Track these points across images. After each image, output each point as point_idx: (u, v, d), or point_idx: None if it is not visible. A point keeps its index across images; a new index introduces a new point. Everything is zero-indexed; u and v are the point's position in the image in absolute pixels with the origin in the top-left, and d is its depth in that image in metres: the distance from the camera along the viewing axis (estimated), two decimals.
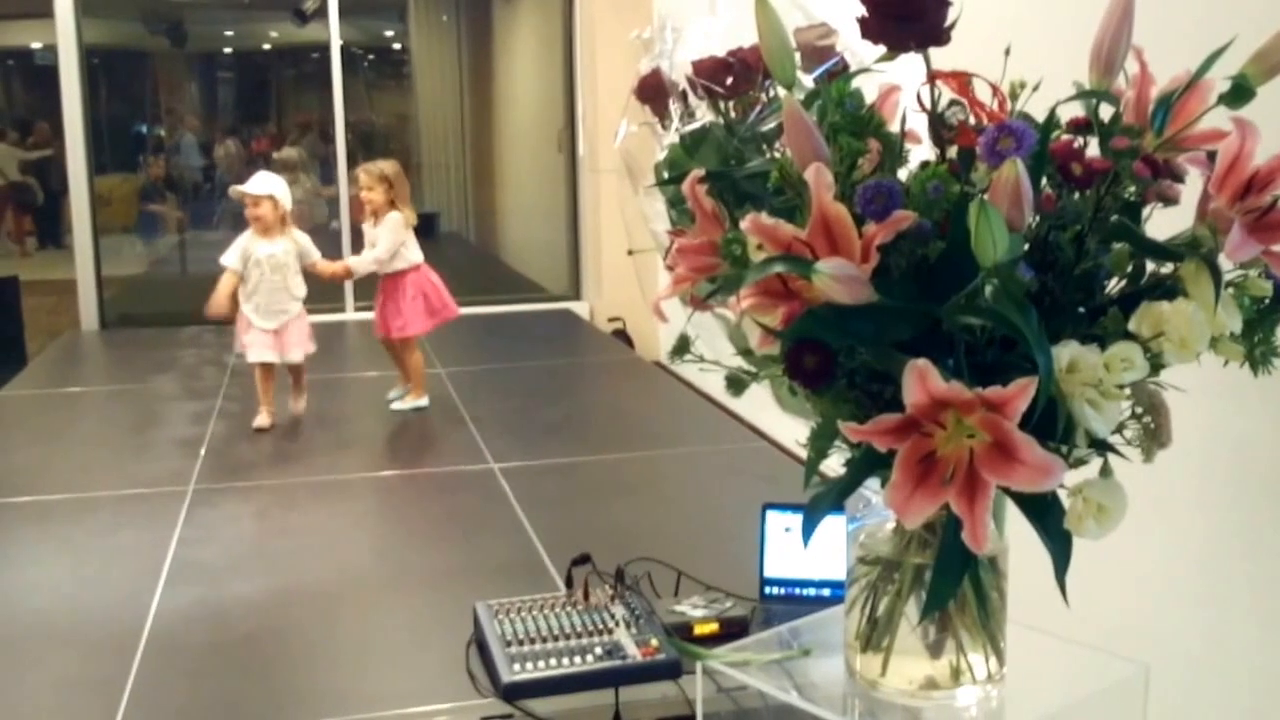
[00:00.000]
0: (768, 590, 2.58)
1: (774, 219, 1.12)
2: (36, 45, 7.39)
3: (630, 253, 1.46)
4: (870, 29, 1.06)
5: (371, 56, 11.87)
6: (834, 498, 1.16)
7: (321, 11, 7.59)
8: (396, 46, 12.03)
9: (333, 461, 4.21)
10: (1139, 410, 1.18)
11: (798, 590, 2.57)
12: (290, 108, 11.95)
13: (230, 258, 4.45)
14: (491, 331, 6.92)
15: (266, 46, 11.99)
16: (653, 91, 1.43)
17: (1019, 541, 1.29)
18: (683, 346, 1.30)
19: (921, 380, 1.00)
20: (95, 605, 2.93)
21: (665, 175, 1.42)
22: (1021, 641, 1.41)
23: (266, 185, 4.46)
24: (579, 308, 7.57)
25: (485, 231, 11.55)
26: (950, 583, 1.16)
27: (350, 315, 7.47)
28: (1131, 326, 1.11)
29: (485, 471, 3.93)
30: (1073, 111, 1.23)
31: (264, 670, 2.57)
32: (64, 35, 7.05)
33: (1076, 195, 1.13)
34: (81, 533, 3.43)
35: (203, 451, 4.23)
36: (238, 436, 4.48)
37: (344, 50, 7.66)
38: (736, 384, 1.25)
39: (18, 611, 2.91)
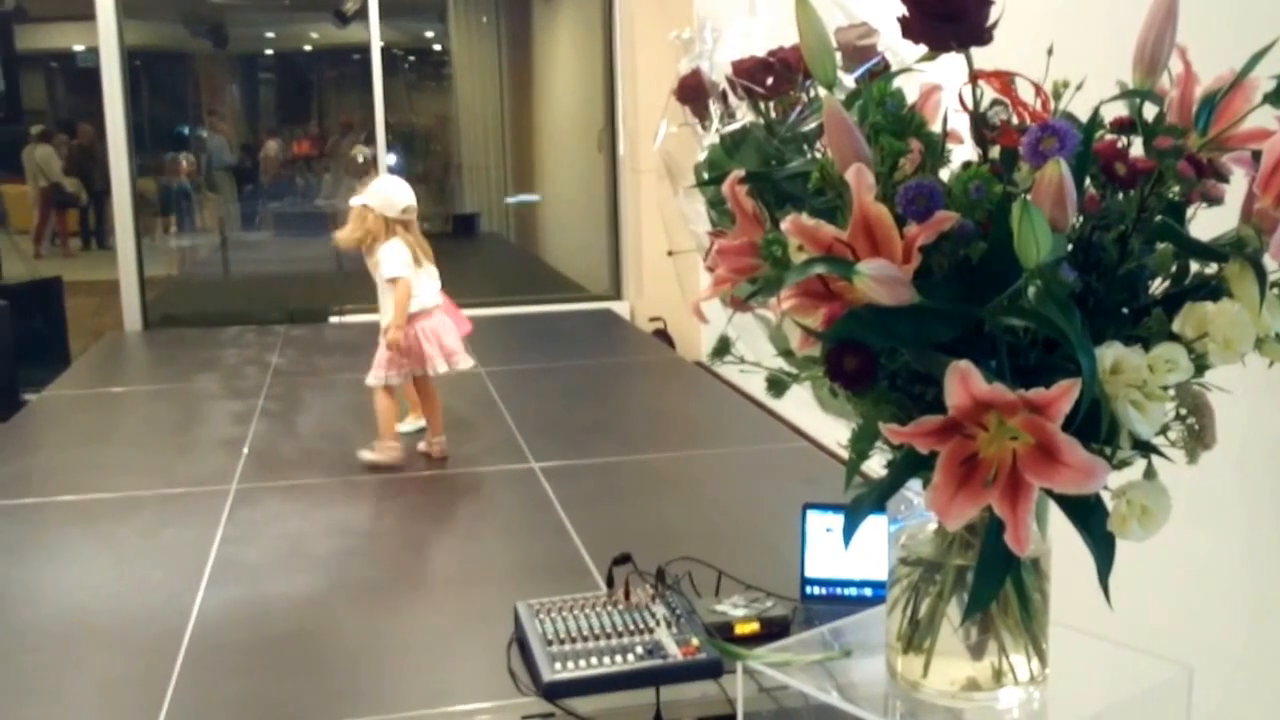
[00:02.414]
0: (809, 590, 2.58)
1: (815, 220, 1.12)
2: (79, 47, 7.48)
3: (670, 254, 1.46)
4: (911, 29, 1.06)
5: (412, 58, 11.92)
6: (876, 499, 1.15)
7: (362, 13, 7.63)
8: (437, 47, 12.08)
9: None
10: (1183, 411, 1.17)
11: (839, 590, 2.57)
12: (331, 109, 12.03)
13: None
14: (532, 331, 6.94)
15: (307, 48, 12.08)
16: (693, 92, 1.43)
17: (1060, 542, 1.29)
18: (723, 348, 1.30)
19: (964, 382, 1.00)
20: (139, 604, 2.96)
21: (705, 176, 1.42)
22: (1064, 643, 1.41)
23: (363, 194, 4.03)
24: (619, 308, 7.58)
25: (526, 231, 11.59)
26: (992, 585, 1.16)
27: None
28: (1175, 327, 1.10)
29: (526, 471, 3.95)
30: (1116, 111, 1.22)
31: (306, 668, 2.59)
32: (105, 37, 7.11)
33: (1120, 195, 1.12)
34: (125, 532, 3.47)
35: (245, 450, 4.27)
36: (280, 435, 4.51)
37: (384, 51, 7.70)
38: (777, 385, 1.25)
39: (63, 610, 2.95)
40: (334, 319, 7.16)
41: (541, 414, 4.75)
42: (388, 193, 4.00)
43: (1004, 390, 0.99)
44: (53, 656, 2.69)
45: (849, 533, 1.14)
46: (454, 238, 11.54)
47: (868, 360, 1.08)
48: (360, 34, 7.68)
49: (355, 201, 4.00)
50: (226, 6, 10.15)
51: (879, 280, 1.01)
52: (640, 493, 3.74)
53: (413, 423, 4.35)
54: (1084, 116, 1.15)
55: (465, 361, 4.17)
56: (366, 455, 4.05)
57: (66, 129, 11.83)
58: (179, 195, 11.06)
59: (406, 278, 3.97)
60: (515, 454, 4.15)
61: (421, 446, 4.18)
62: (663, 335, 7.09)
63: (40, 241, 12.01)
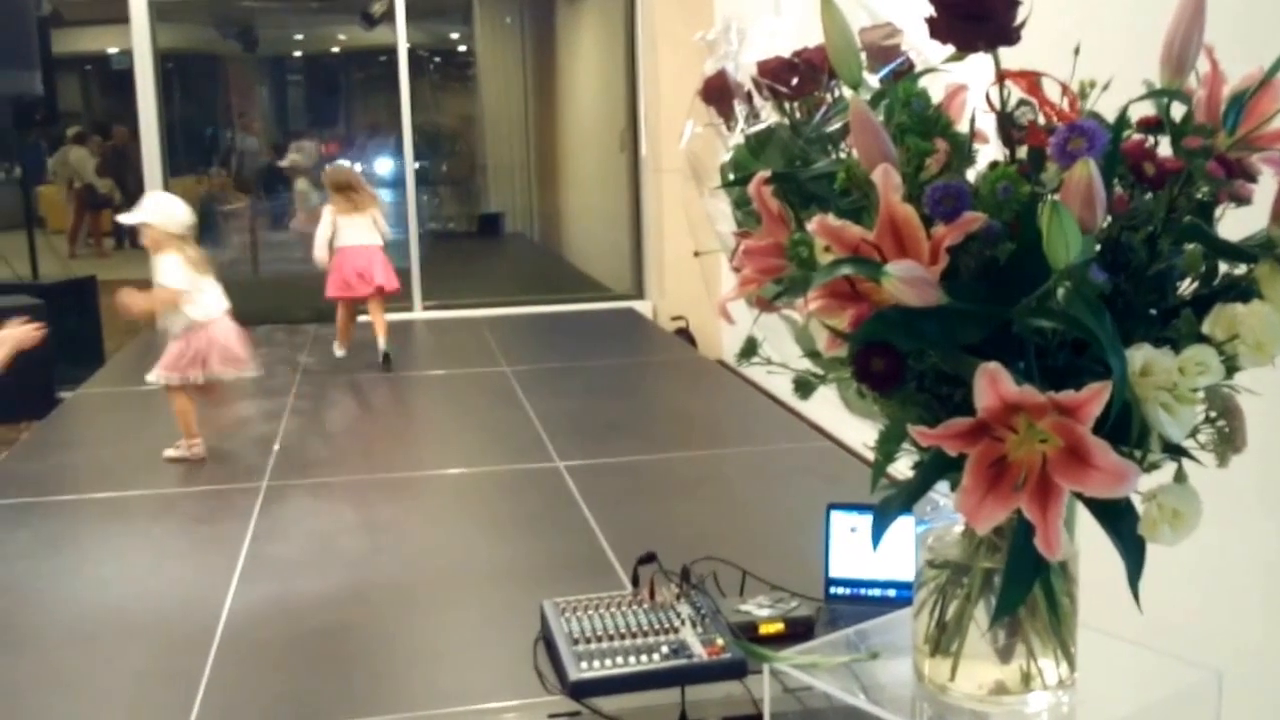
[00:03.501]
0: (833, 590, 2.57)
1: (841, 220, 1.12)
2: (114, 50, 7.53)
3: (696, 254, 1.46)
4: (939, 29, 1.05)
5: (438, 59, 11.95)
6: (903, 501, 1.15)
7: (389, 14, 7.65)
8: (462, 49, 12.11)
9: (402, 459, 4.25)
10: (1213, 414, 1.16)
11: (863, 591, 2.56)
12: (359, 110, 12.07)
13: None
14: (555, 330, 6.95)
15: (335, 50, 12.12)
16: (718, 93, 1.43)
17: (1089, 544, 1.28)
18: (750, 349, 1.29)
19: (993, 384, 1.00)
20: (172, 600, 2.98)
21: (731, 176, 1.42)
22: (1092, 646, 1.40)
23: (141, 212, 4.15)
24: (642, 306, 7.59)
25: (549, 231, 11.61)
26: (1020, 589, 1.15)
27: (418, 315, 7.54)
28: (1205, 329, 1.10)
29: (551, 469, 3.95)
30: (1143, 111, 1.21)
31: (335, 665, 2.60)
32: (139, 40, 7.16)
33: (1148, 196, 1.11)
34: (158, 528, 3.49)
35: (276, 448, 4.29)
36: (310, 434, 4.53)
37: (410, 53, 7.72)
38: (804, 387, 1.25)
39: (97, 605, 2.97)
40: (361, 318, 7.18)
41: (565, 413, 4.75)
42: (170, 210, 4.15)
43: (1034, 392, 0.99)
44: (87, 651, 2.72)
45: (877, 535, 1.14)
46: (478, 237, 11.57)
47: (895, 362, 1.07)
48: (387, 36, 7.72)
49: (133, 219, 4.13)
50: (257, 9, 10.19)
51: (906, 281, 1.00)
52: (664, 492, 3.74)
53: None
54: (1111, 117, 1.14)
55: (251, 369, 4.33)
56: (170, 453, 4.21)
57: (101, 130, 11.91)
58: (212, 197, 11.11)
59: (182, 289, 4.11)
60: (540, 453, 4.16)
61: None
62: (685, 334, 7.09)
63: (75, 242, 12.10)
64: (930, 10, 1.05)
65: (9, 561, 3.28)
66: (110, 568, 3.22)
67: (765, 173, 1.26)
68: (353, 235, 5.87)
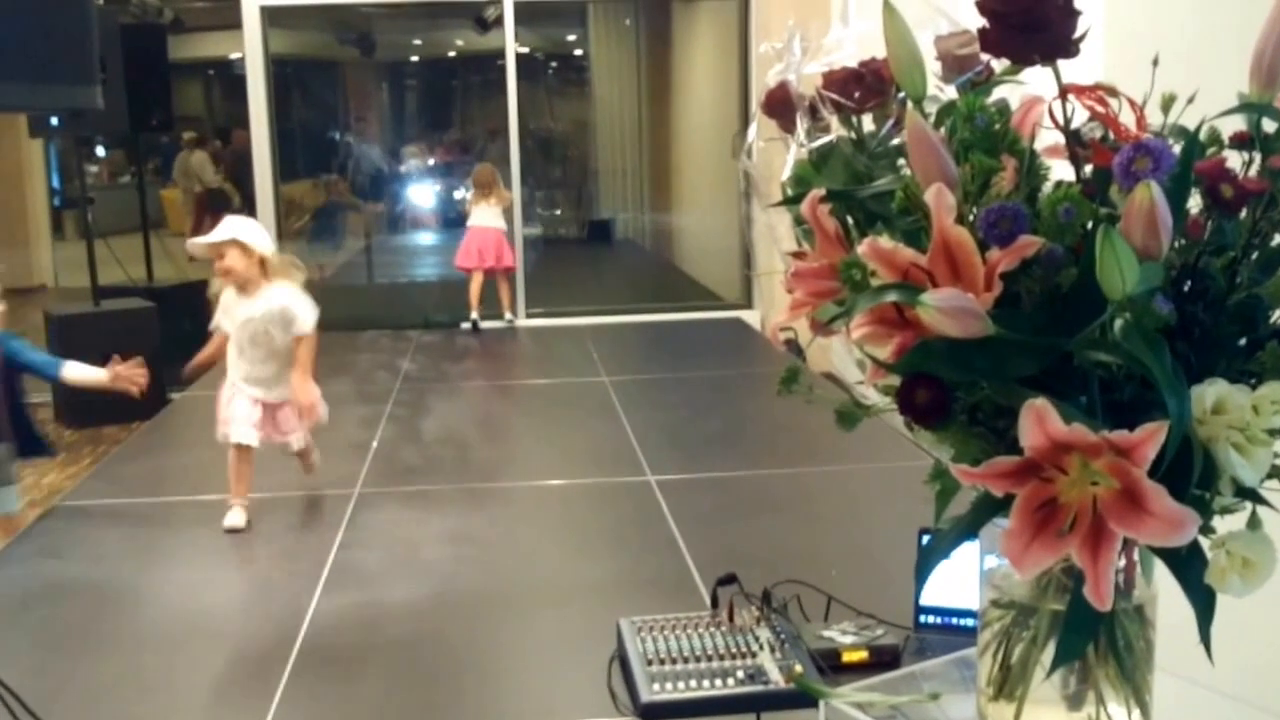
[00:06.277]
0: (922, 619, 2.48)
1: (893, 243, 1.05)
2: (236, 55, 7.72)
3: (752, 274, 1.40)
4: (990, 41, 0.98)
5: (553, 63, 12.01)
6: (953, 540, 1.08)
7: (502, 19, 7.69)
8: (577, 52, 12.14)
9: (492, 468, 4.24)
10: None
11: (954, 620, 2.46)
12: (475, 114, 12.17)
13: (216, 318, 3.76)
14: (661, 340, 6.91)
15: (451, 54, 12.24)
16: (780, 105, 1.37)
17: (1166, 580, 1.19)
18: (792, 377, 1.23)
19: (1039, 421, 0.92)
20: (257, 606, 3.00)
21: (791, 193, 1.36)
22: (1168, 693, 1.31)
23: (229, 229, 3.55)
24: (750, 316, 7.50)
25: (660, 237, 11.57)
26: (1083, 636, 1.08)
27: (522, 322, 7.56)
28: None
29: (642, 484, 3.91)
30: (1233, 127, 1.13)
31: (412, 677, 2.59)
32: (251, 45, 7.31)
33: (1228, 219, 1.03)
34: (248, 533, 3.52)
35: (370, 455, 4.31)
36: (405, 441, 4.55)
37: (524, 57, 7.76)
38: (847, 418, 1.18)
39: (184, 610, 3.01)
40: (465, 325, 7.25)
41: (661, 425, 4.71)
42: (258, 231, 3.61)
43: (1085, 431, 0.91)
44: (169, 654, 2.75)
45: (922, 575, 1.07)
46: (588, 244, 11.58)
47: (940, 394, 1.00)
48: (501, 40, 7.75)
49: (219, 237, 3.53)
50: (373, 14, 10.33)
51: (945, 311, 0.93)
52: (755, 509, 3.68)
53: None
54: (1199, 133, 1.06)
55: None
56: (236, 521, 3.59)
57: (220, 135, 12.18)
58: (328, 202, 11.30)
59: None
60: (632, 466, 4.12)
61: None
62: (793, 346, 7.00)
63: None
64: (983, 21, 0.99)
65: (100, 563, 3.34)
66: (198, 572, 3.26)
67: (820, 191, 1.20)
68: (481, 218, 7.31)
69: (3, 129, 8.49)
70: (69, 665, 2.69)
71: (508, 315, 7.42)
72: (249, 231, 3.46)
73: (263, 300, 3.43)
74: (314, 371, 3.44)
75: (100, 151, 12.16)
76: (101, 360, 3.60)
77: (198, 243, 3.50)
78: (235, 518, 3.55)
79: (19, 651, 2.70)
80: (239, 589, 3.13)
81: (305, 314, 3.35)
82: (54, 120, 6.20)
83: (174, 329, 6.46)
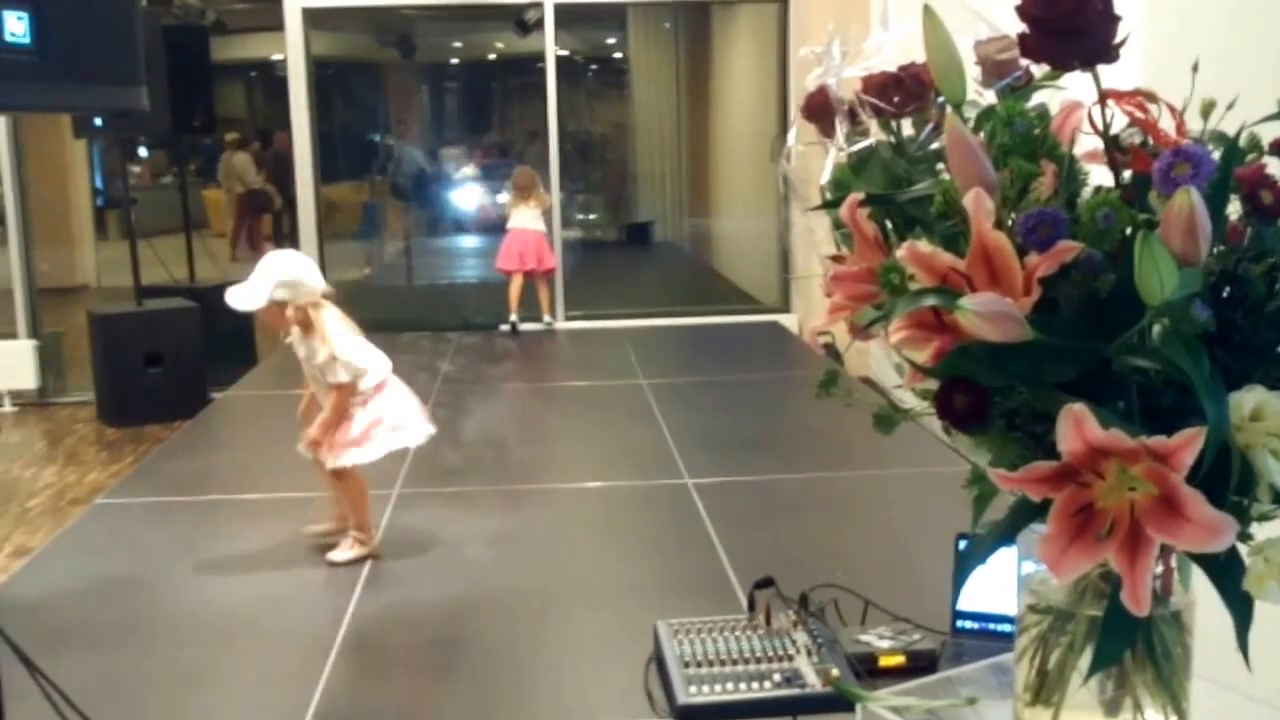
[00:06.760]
0: (959, 624, 2.47)
1: (931, 247, 1.06)
2: (277, 56, 7.79)
3: (790, 278, 1.41)
4: (1030, 47, 0.99)
5: (593, 66, 12.03)
6: (991, 545, 1.08)
7: (542, 22, 7.72)
8: (616, 55, 12.16)
9: (533, 470, 4.26)
10: None
11: (991, 625, 2.45)
12: (514, 117, 12.22)
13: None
14: (698, 343, 6.92)
15: (491, 57, 12.29)
16: (819, 110, 1.37)
17: (1206, 586, 1.19)
18: (830, 380, 1.24)
19: (1077, 426, 0.92)
20: (298, 603, 3.03)
21: (829, 197, 1.36)
22: (1208, 699, 1.31)
23: (264, 287, 3.24)
24: (788, 320, 7.49)
25: (699, 241, 11.57)
26: (1120, 642, 1.07)
27: (561, 325, 7.58)
28: None
29: (679, 486, 3.92)
30: (1273, 133, 1.12)
31: (450, 675, 2.61)
32: (293, 47, 7.37)
33: (1267, 225, 1.03)
34: (291, 531, 3.55)
35: (409, 456, 4.33)
36: (444, 442, 4.57)
37: (564, 60, 7.78)
38: (885, 423, 1.19)
39: (227, 605, 3.04)
40: (504, 327, 7.28)
41: (699, 429, 4.71)
42: (300, 272, 3.30)
43: (1122, 436, 0.91)
44: (213, 649, 2.78)
45: (959, 581, 1.08)
46: (627, 247, 11.59)
47: (979, 398, 1.01)
48: (542, 43, 7.78)
49: (255, 303, 3.24)
50: (414, 17, 10.39)
51: (984, 316, 0.94)
52: (793, 513, 3.67)
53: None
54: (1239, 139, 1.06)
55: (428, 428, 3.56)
56: (339, 556, 3.34)
57: (262, 136, 12.28)
58: (369, 205, 11.37)
59: (359, 375, 3.35)
60: (670, 469, 4.13)
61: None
62: (831, 349, 6.98)
63: (236, 245, 12.48)
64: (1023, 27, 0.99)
65: (144, 560, 3.38)
66: (240, 569, 3.29)
67: (859, 195, 1.20)
68: (521, 220, 7.41)
69: (46, 129, 8.59)
70: (112, 660, 2.73)
71: (547, 318, 7.51)
72: (283, 287, 3.25)
73: (309, 347, 3.27)
74: (337, 419, 3.30)
75: (142, 152, 12.27)
76: (146, 360, 3.59)
77: (238, 304, 3.26)
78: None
79: (63, 647, 2.73)
80: (281, 587, 3.15)
81: (338, 374, 3.24)
82: (98, 121, 6.26)
83: (216, 329, 6.52)
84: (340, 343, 3.23)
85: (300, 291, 3.23)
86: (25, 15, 1.76)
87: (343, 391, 3.25)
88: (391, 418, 3.35)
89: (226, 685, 2.61)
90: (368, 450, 3.31)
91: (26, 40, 1.77)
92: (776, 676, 2.26)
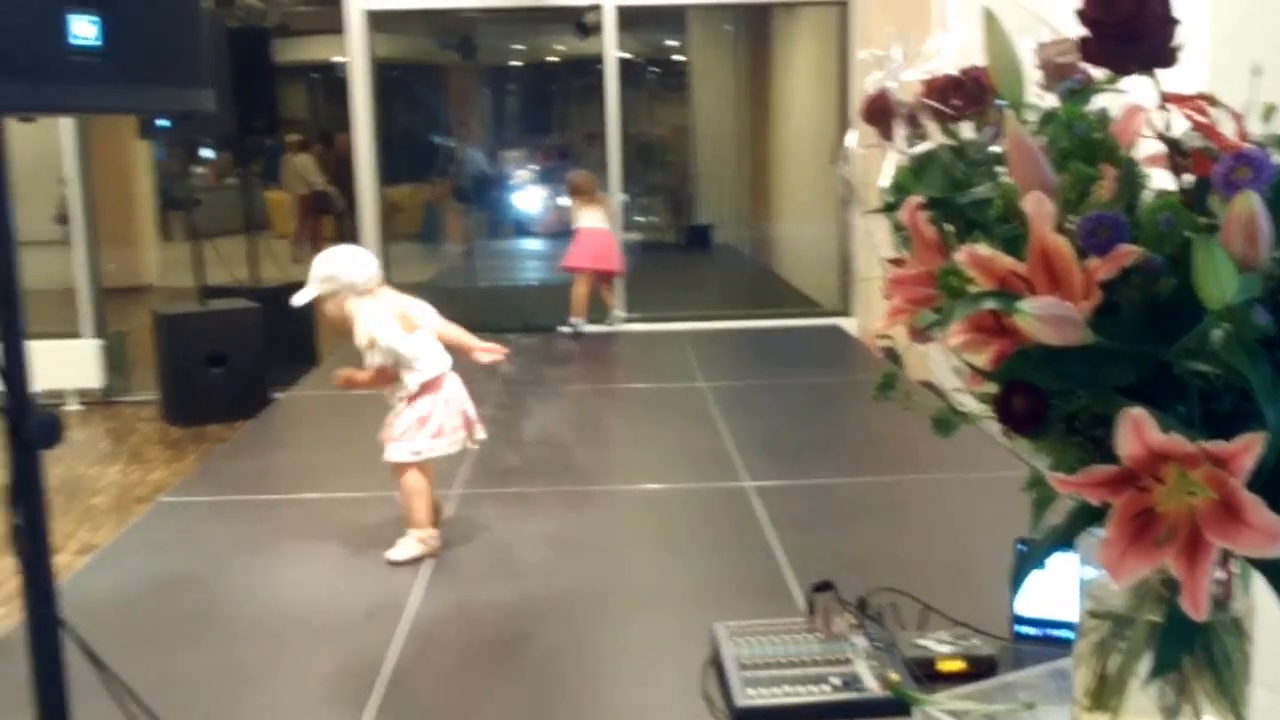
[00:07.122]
0: (1019, 629, 2.46)
1: (991, 250, 1.06)
2: (339, 59, 7.89)
3: (850, 281, 1.41)
4: (1090, 51, 0.99)
5: (653, 69, 12.05)
6: (1049, 549, 1.08)
7: (602, 24, 7.75)
8: (677, 58, 12.18)
9: (590, 472, 4.28)
10: None
11: (1051, 631, 2.44)
12: (574, 119, 12.27)
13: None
14: (757, 347, 6.91)
15: (552, 59, 12.34)
16: (880, 113, 1.38)
17: (1265, 592, 1.18)
18: (889, 383, 1.24)
19: (1137, 430, 0.92)
20: (358, 603, 3.06)
21: (890, 200, 1.37)
22: (1265, 705, 1.29)
23: (316, 280, 3.36)
24: (848, 324, 7.46)
25: (759, 244, 11.56)
26: (1179, 648, 1.07)
27: (621, 328, 7.59)
28: None
29: (738, 490, 3.92)
30: None
31: (510, 676, 2.63)
32: (355, 50, 7.43)
33: None
34: (352, 532, 3.59)
35: (470, 456, 4.36)
36: (504, 443, 4.60)
37: (624, 62, 7.80)
38: (944, 425, 1.19)
39: (286, 605, 3.08)
40: (564, 329, 7.31)
41: (758, 432, 4.71)
42: (346, 263, 3.41)
43: (1182, 440, 0.91)
44: (271, 648, 2.81)
45: (1017, 583, 1.08)
46: (687, 249, 11.60)
47: (1038, 402, 1.01)
48: (602, 45, 7.80)
49: (306, 297, 3.38)
50: (475, 19, 10.47)
51: (1044, 319, 0.94)
52: (852, 517, 3.66)
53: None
54: None
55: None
56: (397, 555, 3.35)
57: (324, 138, 12.40)
58: (429, 206, 11.46)
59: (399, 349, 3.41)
60: (728, 472, 4.13)
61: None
62: (891, 353, 6.94)
63: (298, 246, 12.62)
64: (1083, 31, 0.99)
65: (206, 558, 3.43)
66: (302, 568, 3.33)
67: (918, 198, 1.20)
68: (591, 221, 7.39)
69: (111, 130, 8.72)
70: (175, 657, 2.77)
71: (616, 312, 7.54)
72: (326, 281, 3.35)
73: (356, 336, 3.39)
74: (368, 380, 3.44)
75: (206, 154, 12.44)
76: (209, 360, 3.65)
77: (295, 300, 3.41)
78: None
79: (126, 643, 2.78)
80: (341, 586, 3.19)
81: (374, 359, 3.36)
82: (162, 122, 6.34)
83: (278, 329, 6.59)
84: (379, 331, 3.33)
85: (340, 284, 3.35)
86: (96, 19, 1.80)
87: (382, 372, 3.36)
88: (433, 423, 3.42)
89: (286, 683, 2.65)
90: (397, 449, 3.40)
91: (96, 43, 1.81)
92: (835, 680, 2.27)
